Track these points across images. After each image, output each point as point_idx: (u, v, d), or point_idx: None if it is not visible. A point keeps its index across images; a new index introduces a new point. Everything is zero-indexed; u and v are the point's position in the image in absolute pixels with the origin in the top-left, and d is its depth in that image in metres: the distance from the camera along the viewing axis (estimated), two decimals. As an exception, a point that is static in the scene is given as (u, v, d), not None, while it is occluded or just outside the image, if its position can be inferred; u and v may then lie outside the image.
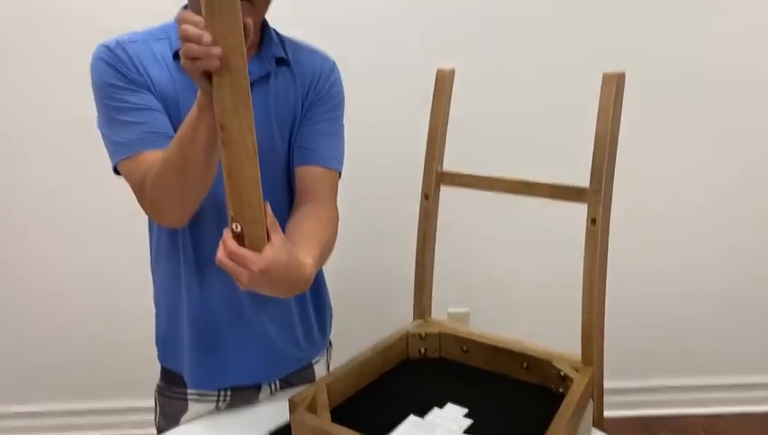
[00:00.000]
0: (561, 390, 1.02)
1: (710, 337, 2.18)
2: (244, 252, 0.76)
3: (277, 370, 1.14)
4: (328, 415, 0.91)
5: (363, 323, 1.53)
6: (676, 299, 2.14)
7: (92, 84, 0.96)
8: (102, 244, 1.96)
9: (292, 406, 0.92)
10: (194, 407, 1.09)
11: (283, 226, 0.97)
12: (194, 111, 0.81)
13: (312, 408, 0.93)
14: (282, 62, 1.03)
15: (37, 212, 1.94)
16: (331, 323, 1.26)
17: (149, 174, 0.90)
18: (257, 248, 0.77)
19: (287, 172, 1.06)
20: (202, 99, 0.78)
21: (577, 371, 1.01)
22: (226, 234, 0.77)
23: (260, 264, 0.76)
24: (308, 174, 1.04)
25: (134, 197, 0.95)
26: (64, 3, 1.76)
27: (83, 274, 2.00)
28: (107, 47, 0.95)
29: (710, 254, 2.09)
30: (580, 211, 1.01)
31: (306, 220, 0.98)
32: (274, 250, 0.78)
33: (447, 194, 1.18)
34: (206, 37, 0.70)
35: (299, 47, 1.08)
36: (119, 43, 0.95)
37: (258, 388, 1.14)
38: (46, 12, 1.76)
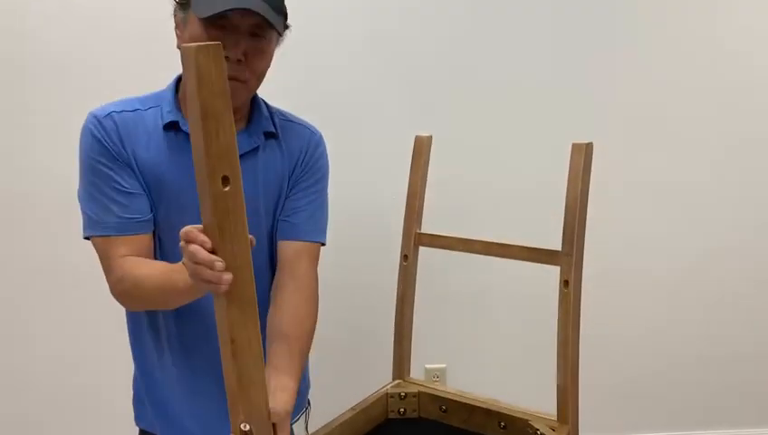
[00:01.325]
0: (537, 449, 1.04)
1: (685, 392, 2.21)
2: None
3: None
4: (309, 478, 0.91)
5: (341, 382, 1.53)
6: (652, 356, 2.17)
7: (79, 153, 0.99)
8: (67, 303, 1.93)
9: (274, 468, 0.92)
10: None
11: (261, 293, 1.00)
12: (185, 283, 0.81)
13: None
14: (270, 135, 1.07)
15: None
16: (308, 383, 1.26)
17: (122, 283, 0.95)
18: None
19: (269, 241, 1.09)
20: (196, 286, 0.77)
21: (553, 429, 1.04)
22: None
23: None
24: (290, 248, 1.07)
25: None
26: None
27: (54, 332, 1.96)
28: (96, 118, 0.98)
29: (686, 311, 2.14)
30: (554, 272, 1.05)
31: (288, 320, 1.00)
32: None
33: (424, 253, 1.22)
34: (219, 265, 0.70)
35: (287, 120, 1.12)
36: (109, 114, 0.98)
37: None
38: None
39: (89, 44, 1.72)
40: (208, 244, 0.71)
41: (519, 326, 2.02)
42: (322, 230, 1.11)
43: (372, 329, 1.66)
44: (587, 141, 1.03)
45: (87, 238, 1.00)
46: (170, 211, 1.00)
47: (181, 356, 1.07)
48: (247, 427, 0.78)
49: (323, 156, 1.12)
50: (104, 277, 0.99)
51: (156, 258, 1.02)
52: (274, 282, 1.07)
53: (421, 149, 1.21)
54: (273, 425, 0.82)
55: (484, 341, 2.07)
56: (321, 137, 1.13)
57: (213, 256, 0.71)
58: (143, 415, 1.13)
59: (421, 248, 1.22)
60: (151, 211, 0.99)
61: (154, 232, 1.01)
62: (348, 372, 1.84)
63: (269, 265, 1.10)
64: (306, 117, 1.17)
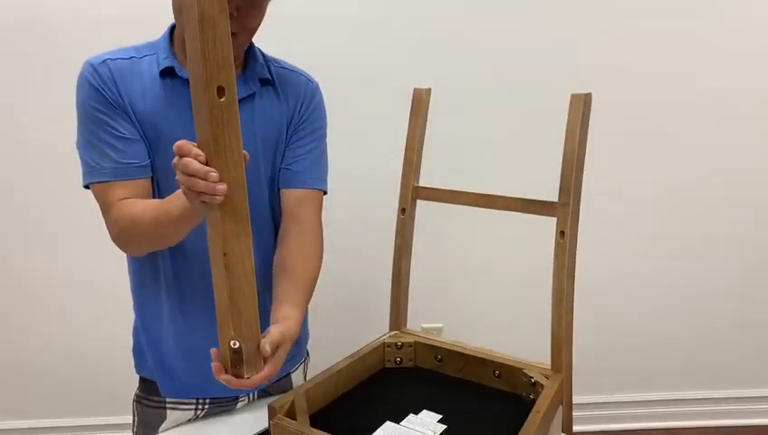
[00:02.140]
0: (531, 396, 1.06)
1: (671, 353, 2.25)
2: (244, 383, 0.82)
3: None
4: (307, 420, 0.93)
5: (339, 335, 1.55)
6: (639, 316, 2.20)
7: (76, 102, 0.99)
8: (70, 251, 1.95)
9: (272, 412, 0.94)
10: (172, 415, 1.11)
11: (262, 243, 1.02)
12: (180, 210, 0.84)
13: (291, 414, 0.95)
14: (266, 82, 1.07)
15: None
16: (307, 334, 1.28)
17: (120, 221, 0.96)
18: (254, 362, 0.82)
19: (270, 191, 1.09)
20: (190, 207, 0.81)
21: (547, 378, 1.05)
22: (218, 356, 0.82)
23: (261, 381, 0.83)
24: (293, 196, 1.08)
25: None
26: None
27: (51, 282, 1.98)
28: (93, 66, 0.98)
29: (675, 273, 2.17)
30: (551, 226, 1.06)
31: (293, 256, 1.03)
32: (271, 365, 0.85)
33: (421, 209, 1.22)
34: (213, 175, 0.71)
35: (283, 68, 1.12)
36: (104, 62, 0.98)
37: (236, 397, 1.15)
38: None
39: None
40: (202, 156, 0.73)
41: (518, 286, 2.04)
42: (324, 178, 1.12)
43: (371, 284, 1.67)
44: (586, 92, 1.03)
45: (86, 187, 1.01)
46: (168, 159, 1.00)
47: (178, 305, 1.08)
48: (237, 344, 0.79)
49: (321, 104, 1.12)
50: (105, 226, 1.00)
51: None
52: (280, 231, 1.08)
53: (420, 102, 1.20)
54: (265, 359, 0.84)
55: (481, 301, 2.09)
56: (317, 85, 1.13)
57: (206, 167, 0.72)
58: (143, 364, 1.15)
59: (421, 209, 1.23)
60: (149, 157, 0.99)
61: (153, 179, 1.02)
62: (345, 326, 1.86)
63: (271, 216, 1.11)
64: (304, 68, 1.16)
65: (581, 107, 1.03)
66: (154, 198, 1.02)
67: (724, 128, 2.03)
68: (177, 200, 0.84)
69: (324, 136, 1.14)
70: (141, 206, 0.94)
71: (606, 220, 2.05)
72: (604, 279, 2.11)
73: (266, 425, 0.97)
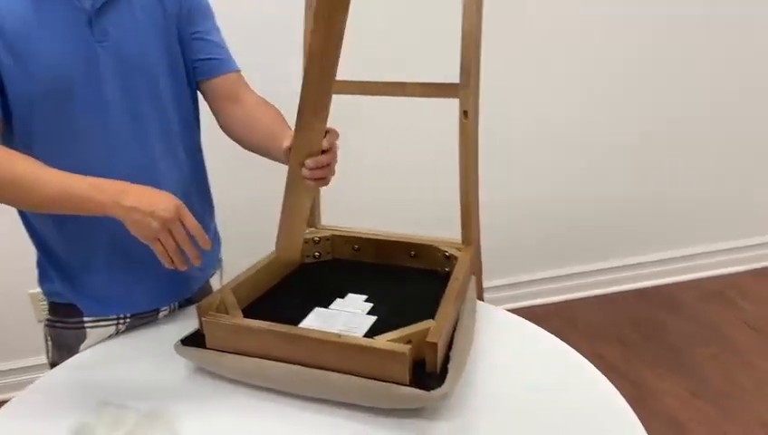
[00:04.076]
0: (447, 269, 1.14)
1: (562, 231, 2.46)
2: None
3: (181, 291, 1.15)
4: (240, 313, 0.95)
5: (249, 240, 1.54)
6: (536, 197, 2.37)
7: None
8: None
9: (202, 310, 0.94)
10: (93, 333, 1.08)
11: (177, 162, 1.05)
12: (89, 210, 0.86)
13: (220, 311, 0.96)
14: None
15: None
16: (220, 240, 1.27)
17: None
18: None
19: (172, 86, 1.06)
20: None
21: (459, 250, 1.13)
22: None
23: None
24: (226, 82, 1.10)
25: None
26: None
27: None
28: None
29: (569, 157, 2.34)
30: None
31: (264, 115, 1.08)
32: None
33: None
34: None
35: None
36: None
37: (157, 310, 1.14)
38: None
39: None
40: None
41: (427, 172, 2.09)
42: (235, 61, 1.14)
43: (280, 188, 1.66)
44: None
45: None
46: (38, 81, 0.91)
47: None
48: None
49: None
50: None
51: None
52: (222, 121, 1.12)
53: (313, -6, 1.18)
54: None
55: (392, 190, 2.14)
56: None
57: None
58: (52, 289, 1.09)
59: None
60: None
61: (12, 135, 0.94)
62: (255, 233, 1.85)
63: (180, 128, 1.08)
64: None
65: (475, -14, 1.06)
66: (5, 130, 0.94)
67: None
68: (90, 203, 0.85)
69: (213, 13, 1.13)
70: (23, 166, 0.86)
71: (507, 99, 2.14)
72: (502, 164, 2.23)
73: (193, 329, 0.97)
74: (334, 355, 0.85)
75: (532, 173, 2.34)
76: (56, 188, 0.85)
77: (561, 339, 1.02)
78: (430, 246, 1.16)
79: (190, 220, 0.89)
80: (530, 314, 2.47)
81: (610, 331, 2.34)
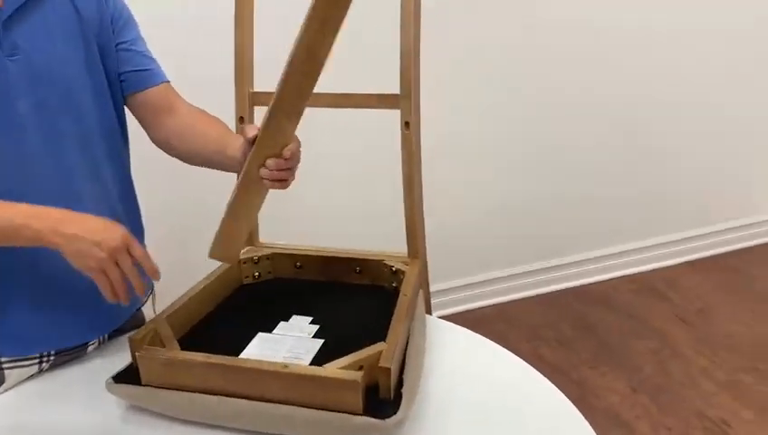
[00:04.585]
0: (394, 284, 1.11)
1: (497, 234, 2.48)
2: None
3: (110, 322, 1.07)
4: (176, 345, 0.88)
5: (180, 263, 1.47)
6: (470, 202, 2.38)
7: None
8: None
9: (135, 344, 0.87)
10: (12, 374, 0.98)
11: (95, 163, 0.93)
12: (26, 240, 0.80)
13: (154, 343, 0.90)
14: None
15: None
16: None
17: None
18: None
19: (96, 101, 0.98)
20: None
21: (406, 264, 1.10)
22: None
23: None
24: (157, 93, 1.05)
25: None
26: None
27: None
28: None
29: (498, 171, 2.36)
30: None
31: (202, 123, 1.04)
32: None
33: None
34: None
35: None
36: None
37: (86, 343, 1.06)
38: None
39: None
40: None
41: (368, 183, 2.06)
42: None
43: (210, 204, 1.59)
44: (415, -16, 1.03)
45: None
46: None
47: None
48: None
49: None
50: None
51: None
52: (156, 134, 1.06)
53: (245, 3, 1.12)
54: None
55: (333, 204, 2.09)
56: None
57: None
58: None
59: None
60: None
61: None
62: (185, 253, 1.77)
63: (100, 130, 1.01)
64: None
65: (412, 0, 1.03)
66: None
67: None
68: (25, 231, 0.80)
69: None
70: None
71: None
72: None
73: (125, 364, 0.90)
74: (281, 387, 0.80)
75: (465, 178, 2.35)
76: None
77: (502, 341, 1.04)
78: (376, 261, 1.13)
79: (138, 249, 0.83)
80: (471, 317, 2.53)
81: (549, 331, 2.37)
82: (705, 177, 2.74)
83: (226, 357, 0.84)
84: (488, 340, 1.05)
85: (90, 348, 1.06)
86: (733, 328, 2.34)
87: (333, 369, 0.81)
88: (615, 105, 2.46)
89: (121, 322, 1.09)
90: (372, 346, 0.85)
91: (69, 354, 1.03)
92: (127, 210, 1.09)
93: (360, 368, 0.81)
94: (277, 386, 0.80)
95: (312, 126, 1.80)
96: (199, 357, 0.84)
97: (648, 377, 2.07)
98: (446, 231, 2.32)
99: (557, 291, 2.64)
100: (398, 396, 0.82)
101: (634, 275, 2.74)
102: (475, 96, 2.23)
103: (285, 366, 0.81)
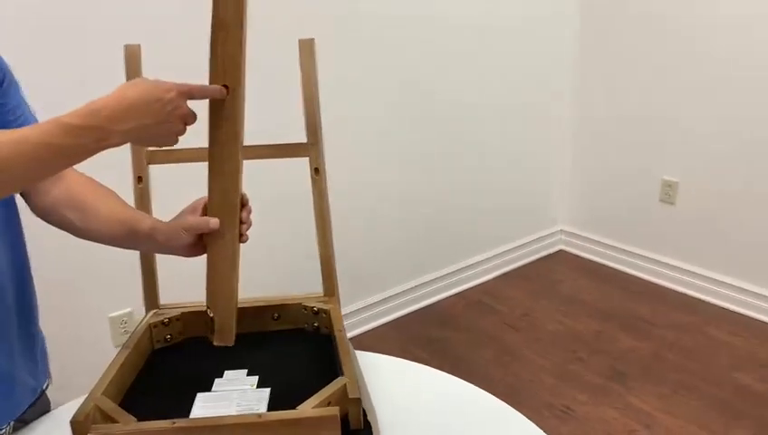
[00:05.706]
0: (315, 324, 1.14)
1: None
2: None
3: (11, 411, 0.95)
4: (132, 418, 0.83)
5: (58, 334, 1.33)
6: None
7: None
8: None
9: (80, 427, 0.81)
10: None
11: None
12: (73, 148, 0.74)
13: (97, 422, 0.83)
14: None
15: None
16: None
17: None
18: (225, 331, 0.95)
19: None
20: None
21: (326, 303, 1.15)
22: None
23: None
24: None
25: None
26: None
27: None
28: None
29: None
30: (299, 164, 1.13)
31: (97, 193, 0.99)
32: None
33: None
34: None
35: None
36: None
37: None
38: None
39: None
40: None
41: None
42: None
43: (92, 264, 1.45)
44: (310, 37, 1.11)
45: None
46: None
47: None
48: (211, 313, 0.92)
49: None
50: None
51: None
52: (42, 199, 0.96)
53: (133, 58, 1.10)
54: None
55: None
56: None
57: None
58: None
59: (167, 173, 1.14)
60: None
61: None
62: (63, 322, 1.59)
63: None
64: None
65: (309, 52, 1.10)
66: None
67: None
68: (66, 137, 0.72)
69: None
70: None
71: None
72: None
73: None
74: (260, 437, 0.80)
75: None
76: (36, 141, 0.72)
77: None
78: (294, 305, 1.15)
79: (192, 86, 0.82)
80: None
81: (404, 355, 2.51)
82: (508, 198, 3.13)
83: (195, 419, 0.82)
84: (411, 362, 1.13)
85: (-7, 445, 0.93)
86: (552, 327, 2.70)
87: (309, 409, 0.83)
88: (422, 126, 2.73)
89: (22, 409, 0.98)
90: (333, 382, 0.89)
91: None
92: (18, 285, 0.98)
93: (329, 403, 0.85)
94: (255, 438, 0.80)
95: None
96: (165, 424, 0.80)
97: (499, 381, 2.30)
98: (276, 264, 2.39)
99: (402, 316, 2.81)
100: (367, 424, 0.87)
101: (463, 291, 3.02)
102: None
103: (260, 416, 0.82)
